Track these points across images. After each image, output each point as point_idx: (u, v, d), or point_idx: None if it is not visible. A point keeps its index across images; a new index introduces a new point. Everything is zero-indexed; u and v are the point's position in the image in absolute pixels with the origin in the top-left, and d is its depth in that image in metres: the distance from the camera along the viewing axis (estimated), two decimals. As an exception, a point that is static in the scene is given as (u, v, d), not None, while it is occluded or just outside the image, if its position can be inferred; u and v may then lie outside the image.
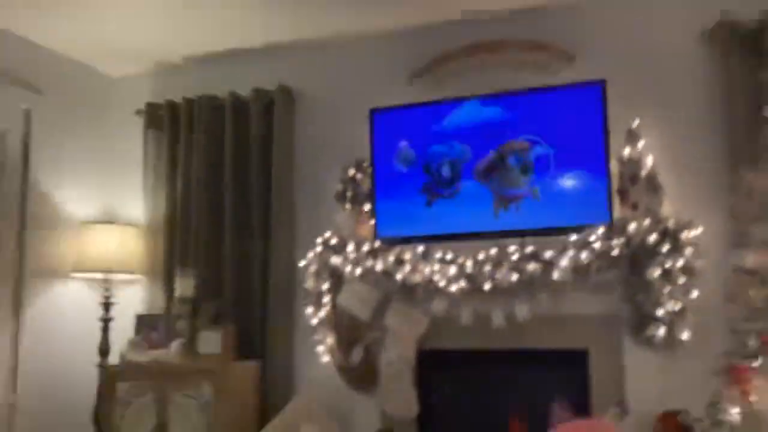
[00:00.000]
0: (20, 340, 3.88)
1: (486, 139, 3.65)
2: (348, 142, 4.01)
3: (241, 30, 4.05)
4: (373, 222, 3.85)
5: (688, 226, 3.13)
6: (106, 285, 4.14)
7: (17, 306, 3.89)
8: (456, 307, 3.51)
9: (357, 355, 3.70)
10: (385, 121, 3.87)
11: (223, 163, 4.22)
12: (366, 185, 3.89)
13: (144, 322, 4.07)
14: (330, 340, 3.75)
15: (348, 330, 3.73)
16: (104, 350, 4.07)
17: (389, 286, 3.66)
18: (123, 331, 4.10)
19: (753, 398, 2.47)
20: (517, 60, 3.73)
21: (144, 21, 3.90)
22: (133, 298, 4.28)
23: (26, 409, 3.88)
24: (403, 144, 3.81)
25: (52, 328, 4.09)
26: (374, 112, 3.89)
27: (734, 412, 2.47)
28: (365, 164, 3.91)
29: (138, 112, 4.50)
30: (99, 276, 4.13)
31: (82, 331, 4.19)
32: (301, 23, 3.97)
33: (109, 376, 3.87)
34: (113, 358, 4.04)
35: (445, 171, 3.72)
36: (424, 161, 3.77)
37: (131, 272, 4.21)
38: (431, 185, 3.75)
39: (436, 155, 3.75)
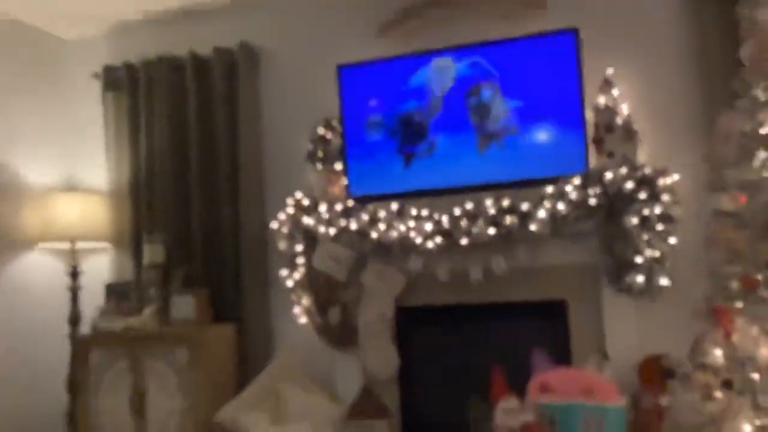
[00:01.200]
0: (-14, 313, 3.78)
1: (457, 92, 3.60)
2: (316, 100, 3.93)
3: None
4: (345, 181, 3.78)
5: (665, 172, 3.13)
6: (73, 254, 4.02)
7: (-19, 279, 3.78)
8: (433, 263, 3.49)
9: (334, 315, 3.68)
10: (353, 77, 3.79)
11: (187, 125, 4.11)
12: (336, 143, 3.81)
13: (114, 291, 3.98)
14: (306, 301, 3.71)
15: (324, 291, 3.69)
16: (74, 320, 3.98)
17: (364, 245, 3.62)
18: (93, 300, 4.03)
19: (735, 339, 2.49)
20: (486, 10, 3.67)
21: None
22: (101, 267, 4.20)
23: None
24: (372, 107, 3.73)
25: (20, 300, 3.99)
26: (342, 68, 3.80)
27: (717, 354, 2.48)
28: (335, 122, 3.83)
29: (95, 75, 4.34)
30: (65, 245, 4.01)
31: (51, 302, 4.11)
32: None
33: (81, 345, 3.79)
34: (84, 328, 3.95)
35: (411, 127, 3.66)
36: (392, 123, 3.71)
37: (97, 240, 4.10)
38: (404, 145, 3.69)
39: (399, 113, 3.69)
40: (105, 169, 4.27)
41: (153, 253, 3.93)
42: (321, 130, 3.83)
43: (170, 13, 4.23)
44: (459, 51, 3.61)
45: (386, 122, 3.72)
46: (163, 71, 4.16)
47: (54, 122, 4.37)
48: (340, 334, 3.67)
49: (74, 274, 4.02)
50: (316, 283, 3.69)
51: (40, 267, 4.13)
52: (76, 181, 4.37)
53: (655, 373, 2.97)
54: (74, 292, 4.01)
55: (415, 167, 3.66)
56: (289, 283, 3.71)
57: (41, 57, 4.36)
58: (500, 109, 3.52)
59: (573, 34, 3.40)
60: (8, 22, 4.11)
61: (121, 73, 4.28)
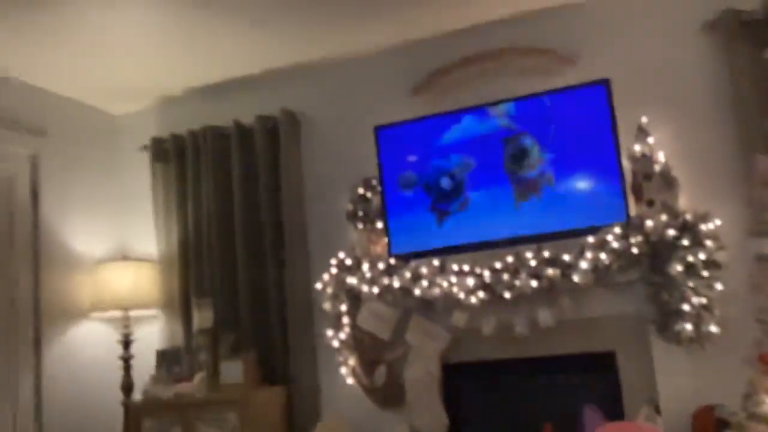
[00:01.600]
0: (42, 382, 3.88)
1: (492, 148, 3.64)
2: (355, 161, 4.01)
3: (240, 58, 4.07)
4: (386, 239, 3.82)
5: (706, 218, 3.10)
6: (125, 322, 4.12)
7: (38, 349, 3.89)
8: (477, 318, 3.48)
9: (380, 375, 3.68)
10: (390, 138, 3.86)
11: (232, 191, 4.21)
12: (376, 203, 3.87)
13: (165, 357, 4.04)
14: (352, 361, 3.72)
15: (369, 350, 3.71)
16: (127, 388, 4.05)
17: (408, 302, 3.63)
18: (144, 367, 4.09)
19: (788, 387, 2.42)
20: (518, 67, 3.73)
21: (144, 57, 3.91)
22: (152, 334, 4.26)
23: (53, 453, 3.86)
24: (409, 165, 3.80)
25: (74, 369, 4.08)
26: (379, 129, 3.88)
27: (770, 403, 2.42)
28: (374, 182, 3.89)
29: (144, 147, 4.50)
30: (117, 314, 4.12)
31: (104, 370, 4.19)
32: (298, 47, 3.98)
33: (134, 413, 3.84)
34: (137, 395, 4.02)
35: (445, 184, 3.71)
36: (425, 180, 3.76)
37: (148, 308, 4.19)
38: (437, 203, 3.73)
39: (435, 171, 3.74)
40: (154, 238, 4.39)
41: (202, 318, 3.99)
42: (361, 190, 3.90)
43: (213, 86, 4.39)
44: (491, 107, 3.66)
45: (420, 179, 3.77)
46: (209, 141, 4.30)
47: (105, 194, 4.53)
48: (387, 393, 3.67)
49: (126, 343, 4.10)
50: (361, 343, 3.71)
51: (93, 336, 4.23)
52: (126, 251, 4.50)
53: (709, 423, 2.88)
54: (126, 360, 4.09)
55: (449, 224, 3.69)
56: (335, 344, 3.73)
57: (92, 132, 4.54)
58: (536, 158, 3.54)
59: (604, 85, 3.43)
60: (61, 100, 4.31)
61: (169, 144, 4.43)
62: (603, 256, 3.23)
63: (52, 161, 4.15)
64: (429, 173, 3.76)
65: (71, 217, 4.25)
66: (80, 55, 3.81)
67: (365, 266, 3.70)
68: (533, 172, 3.55)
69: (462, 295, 3.47)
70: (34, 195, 4.03)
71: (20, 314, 3.84)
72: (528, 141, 3.57)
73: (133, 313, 4.15)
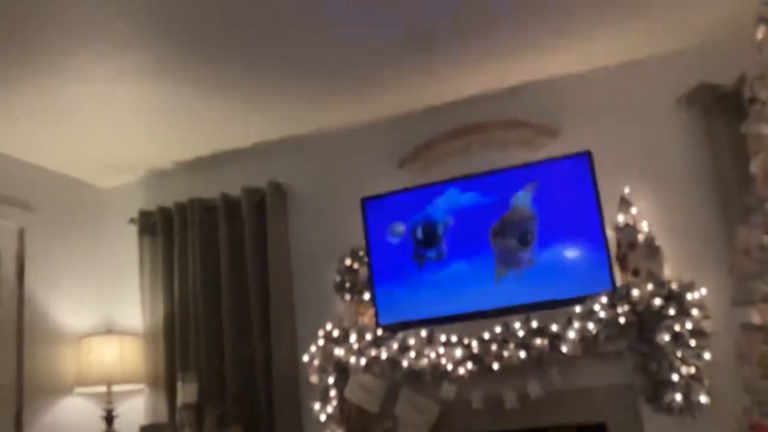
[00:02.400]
0: (23, 462, 3.78)
1: (476, 219, 3.68)
2: (342, 232, 4.02)
3: (227, 133, 4.12)
4: (373, 310, 3.81)
5: (692, 287, 3.12)
6: (108, 398, 4.04)
7: (19, 426, 3.79)
8: (466, 390, 3.44)
9: (369, 449, 3.62)
10: (377, 209, 3.89)
11: (219, 263, 4.21)
12: (363, 273, 3.87)
13: (148, 434, 3.96)
14: (340, 435, 3.66)
15: (358, 423, 3.65)
16: (110, 466, 3.95)
17: (396, 373, 3.59)
18: (128, 444, 4.00)
19: (780, 458, 2.41)
20: (501, 139, 3.80)
21: (131, 131, 3.95)
22: (136, 409, 4.19)
23: None
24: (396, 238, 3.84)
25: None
26: (366, 201, 3.92)
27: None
28: (361, 253, 3.90)
29: (131, 220, 4.51)
30: (101, 389, 4.04)
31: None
32: (285, 120, 4.04)
33: (116, 494, 3.74)
34: (119, 474, 3.92)
35: (426, 231, 3.75)
36: (410, 228, 3.81)
37: (133, 382, 4.13)
38: (418, 249, 3.76)
39: (417, 223, 3.79)
40: (140, 311, 4.35)
41: (187, 393, 3.92)
42: (348, 261, 3.90)
43: (201, 159, 4.43)
44: (475, 179, 3.71)
45: (404, 231, 3.81)
46: (196, 213, 4.31)
47: (91, 267, 4.50)
48: (376, 468, 3.60)
49: (109, 419, 4.01)
50: (348, 416, 3.65)
51: (76, 412, 4.13)
52: (112, 324, 4.44)
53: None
54: (109, 437, 4.01)
55: (428, 271, 3.72)
56: (322, 417, 3.67)
57: (79, 205, 4.54)
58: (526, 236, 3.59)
59: (586, 156, 3.49)
60: (48, 174, 4.33)
61: (156, 217, 4.44)
62: (591, 325, 3.23)
63: (39, 235, 4.14)
64: (413, 225, 3.80)
65: (57, 290, 4.21)
66: (67, 130, 3.84)
67: (353, 337, 3.67)
68: (520, 253, 3.58)
69: (450, 366, 3.44)
70: (20, 269, 4.00)
71: (1, 390, 3.75)
72: (513, 220, 3.62)
73: (116, 388, 4.08)
